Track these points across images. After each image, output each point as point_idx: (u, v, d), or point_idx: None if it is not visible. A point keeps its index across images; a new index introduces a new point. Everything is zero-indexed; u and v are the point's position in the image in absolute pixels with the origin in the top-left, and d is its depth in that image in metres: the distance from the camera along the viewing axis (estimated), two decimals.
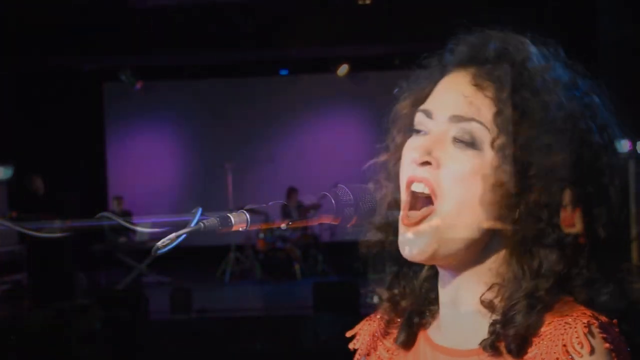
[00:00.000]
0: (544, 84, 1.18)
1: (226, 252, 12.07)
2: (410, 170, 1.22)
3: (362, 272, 1.37)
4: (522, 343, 1.15)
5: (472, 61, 1.23)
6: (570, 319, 1.13)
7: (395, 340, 1.35)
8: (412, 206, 1.21)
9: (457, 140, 1.19)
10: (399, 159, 1.27)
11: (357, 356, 1.42)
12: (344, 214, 1.26)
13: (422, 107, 1.25)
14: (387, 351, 1.37)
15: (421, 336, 1.33)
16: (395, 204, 1.27)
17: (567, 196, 1.18)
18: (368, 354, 1.40)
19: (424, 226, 1.19)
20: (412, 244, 1.20)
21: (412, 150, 1.22)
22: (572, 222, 1.19)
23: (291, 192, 12.01)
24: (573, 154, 1.16)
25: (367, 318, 1.43)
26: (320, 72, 13.58)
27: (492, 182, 1.16)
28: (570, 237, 1.18)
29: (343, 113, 14.06)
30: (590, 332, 1.11)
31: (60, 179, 12.11)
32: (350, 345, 1.43)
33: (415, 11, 10.00)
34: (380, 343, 1.38)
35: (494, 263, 1.21)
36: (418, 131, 1.24)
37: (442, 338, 1.29)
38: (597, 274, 1.20)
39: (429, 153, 1.19)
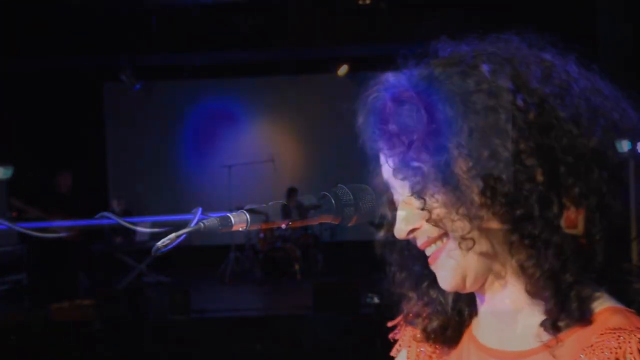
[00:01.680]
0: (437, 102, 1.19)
1: (226, 252, 12.07)
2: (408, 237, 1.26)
3: (363, 272, 1.37)
4: (585, 304, 1.15)
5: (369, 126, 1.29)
6: (624, 333, 1.12)
7: (431, 337, 1.35)
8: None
9: (414, 195, 1.22)
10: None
11: (397, 347, 1.42)
12: (344, 214, 1.26)
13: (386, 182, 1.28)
14: (430, 345, 1.37)
15: (466, 333, 1.33)
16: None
17: (569, 197, 1.18)
18: (409, 346, 1.40)
19: (439, 261, 1.23)
20: (441, 278, 1.25)
21: (396, 231, 1.26)
22: (574, 223, 1.18)
23: (291, 192, 12.02)
24: (543, 144, 1.16)
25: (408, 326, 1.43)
26: (320, 72, 13.58)
27: (461, 199, 1.17)
28: (570, 238, 1.17)
29: (343, 113, 14.05)
30: None
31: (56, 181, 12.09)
32: (391, 336, 1.42)
33: (415, 11, 9.99)
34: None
35: (509, 260, 1.21)
36: (395, 207, 1.28)
37: (486, 337, 1.29)
38: (598, 274, 1.20)
39: (406, 221, 1.23)
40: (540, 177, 1.15)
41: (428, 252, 1.24)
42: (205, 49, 12.01)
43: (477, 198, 1.16)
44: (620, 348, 1.10)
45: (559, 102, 1.19)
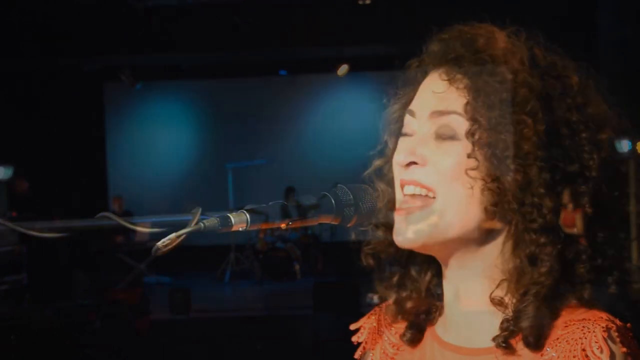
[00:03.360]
0: (507, 66, 1.19)
1: (226, 252, 12.07)
2: (399, 173, 1.24)
3: (363, 272, 1.37)
4: (539, 334, 1.15)
5: (444, 57, 1.25)
6: (588, 323, 1.13)
7: (402, 336, 1.35)
8: (408, 202, 1.23)
9: (438, 135, 1.21)
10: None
11: (360, 350, 1.42)
12: (343, 214, 1.26)
13: (409, 107, 1.27)
14: (393, 346, 1.37)
15: (428, 332, 1.33)
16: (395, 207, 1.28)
17: (566, 195, 1.18)
18: (372, 348, 1.40)
19: (416, 215, 1.20)
20: (404, 231, 1.22)
21: (398, 153, 1.25)
22: (572, 222, 1.19)
23: (289, 191, 12.02)
24: (548, 131, 1.17)
25: (372, 311, 1.43)
26: (320, 72, 13.58)
27: (469, 168, 1.17)
28: (570, 237, 1.18)
29: (343, 113, 14.06)
30: (610, 337, 1.11)
31: (60, 179, 12.12)
32: (354, 339, 1.43)
33: (415, 11, 9.99)
34: (386, 338, 1.38)
35: (499, 259, 1.21)
36: (405, 134, 1.26)
37: (449, 335, 1.29)
38: (597, 274, 1.20)
39: (413, 153, 1.21)
40: (544, 179, 1.16)
41: (408, 193, 1.22)
42: (205, 49, 12.01)
43: (492, 184, 1.16)
44: (586, 338, 1.12)
45: (563, 102, 1.20)
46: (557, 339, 1.15)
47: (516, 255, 1.18)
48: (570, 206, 1.18)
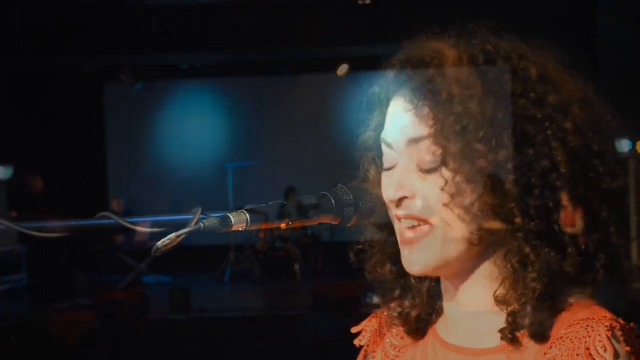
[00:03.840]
0: (460, 83, 1.18)
1: (226, 252, 12.07)
2: (392, 209, 1.24)
3: (363, 272, 1.37)
4: (541, 330, 1.16)
5: (400, 83, 1.24)
6: (592, 322, 1.13)
7: (403, 338, 1.35)
8: (409, 233, 1.23)
9: (420, 169, 1.20)
10: (378, 187, 1.28)
11: (363, 353, 1.42)
12: (343, 214, 1.26)
13: (382, 135, 1.26)
14: (394, 348, 1.37)
15: (429, 332, 1.33)
16: (386, 232, 1.30)
17: (565, 195, 1.18)
18: (374, 351, 1.40)
19: (420, 245, 1.21)
20: (413, 262, 1.22)
21: (387, 189, 1.24)
22: (572, 222, 1.19)
23: (289, 191, 12.01)
24: (517, 137, 1.16)
25: (374, 314, 1.43)
26: (320, 72, 13.58)
27: (459, 194, 1.17)
28: (569, 236, 1.18)
29: (343, 113, 14.06)
30: (614, 336, 1.12)
31: (60, 179, 12.11)
32: (356, 342, 1.43)
33: (415, 11, 9.99)
34: (388, 340, 1.39)
35: (497, 259, 1.21)
36: (387, 169, 1.25)
37: (451, 336, 1.29)
38: (597, 274, 1.20)
39: (402, 187, 1.21)
40: (543, 180, 1.16)
41: (407, 226, 1.22)
42: (205, 49, 12.01)
43: (492, 196, 1.16)
44: (590, 337, 1.12)
45: (525, 99, 1.20)
46: (561, 337, 1.15)
47: (507, 261, 1.18)
48: (569, 205, 1.18)
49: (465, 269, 1.23)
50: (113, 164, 14.71)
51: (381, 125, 1.27)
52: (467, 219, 1.17)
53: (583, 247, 1.19)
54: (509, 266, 1.18)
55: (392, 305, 1.35)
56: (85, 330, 7.89)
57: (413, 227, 1.22)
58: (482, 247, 1.20)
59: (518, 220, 1.15)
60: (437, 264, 1.21)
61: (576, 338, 1.13)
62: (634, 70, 7.90)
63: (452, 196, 1.17)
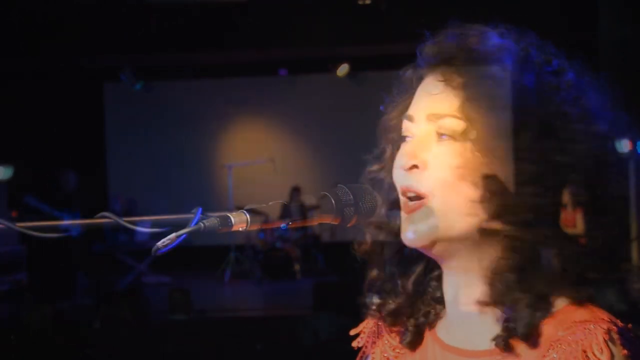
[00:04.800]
0: (501, 64, 1.20)
1: (226, 252, 12.07)
2: (399, 177, 1.25)
3: (364, 272, 1.37)
4: (535, 333, 1.16)
5: (438, 59, 1.25)
6: (590, 325, 1.14)
7: (401, 340, 1.35)
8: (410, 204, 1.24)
9: (439, 134, 1.21)
10: (390, 169, 1.29)
11: (360, 354, 1.42)
12: (343, 214, 1.26)
13: (406, 113, 1.28)
14: (393, 350, 1.37)
15: (428, 335, 1.33)
16: (386, 216, 1.30)
17: (565, 193, 1.18)
18: (373, 352, 1.40)
19: (417, 214, 1.22)
20: (407, 230, 1.23)
21: (400, 157, 1.25)
22: (572, 222, 1.19)
23: (294, 191, 12.02)
24: (544, 127, 1.17)
25: (371, 316, 1.43)
26: (320, 72, 13.58)
27: (473, 170, 1.17)
28: (570, 237, 1.18)
29: (343, 113, 14.07)
30: (611, 339, 1.12)
31: (60, 179, 12.08)
32: (354, 344, 1.43)
33: (415, 11, 9.99)
34: (386, 341, 1.39)
35: (499, 256, 1.21)
36: (405, 138, 1.27)
37: (451, 337, 1.29)
38: (597, 274, 1.20)
39: (415, 156, 1.22)
40: (541, 175, 1.16)
41: (409, 195, 1.23)
42: (205, 48, 12.00)
43: (504, 178, 1.17)
44: (587, 339, 1.12)
45: (557, 96, 1.21)
46: (558, 340, 1.15)
47: (508, 256, 1.18)
48: (569, 205, 1.18)
49: (466, 267, 1.23)
50: (113, 164, 14.71)
51: (408, 106, 1.29)
52: (474, 200, 1.17)
53: (584, 247, 1.19)
54: (509, 262, 1.17)
55: (374, 296, 1.36)
56: (85, 330, 7.89)
57: (412, 199, 1.23)
58: (481, 240, 1.20)
59: (532, 214, 1.16)
60: (432, 237, 1.21)
61: (573, 340, 1.13)
62: (634, 70, 7.90)
63: (465, 171, 1.17)
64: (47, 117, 12.96)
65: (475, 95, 1.18)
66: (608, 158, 1.21)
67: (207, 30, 11.19)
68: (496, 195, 1.16)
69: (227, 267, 12.02)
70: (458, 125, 1.19)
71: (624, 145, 1.26)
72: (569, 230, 1.18)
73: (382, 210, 1.30)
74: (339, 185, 1.28)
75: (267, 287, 11.51)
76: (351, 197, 1.27)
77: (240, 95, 14.33)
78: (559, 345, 1.14)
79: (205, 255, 10.73)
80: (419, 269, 1.33)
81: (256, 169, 13.44)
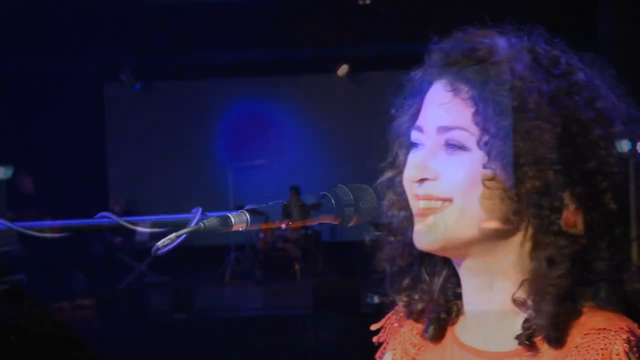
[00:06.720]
0: (511, 73, 1.19)
1: (226, 252, 12.07)
2: (411, 187, 1.26)
3: (363, 272, 1.38)
4: (559, 332, 1.16)
5: (446, 68, 1.25)
6: (609, 333, 1.13)
7: (423, 333, 1.35)
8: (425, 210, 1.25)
9: (449, 144, 1.21)
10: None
11: (382, 350, 1.42)
12: (344, 214, 1.26)
13: (416, 123, 1.28)
14: (414, 346, 1.37)
15: (448, 333, 1.33)
16: (406, 220, 1.30)
17: (567, 196, 1.18)
18: (394, 349, 1.40)
19: (433, 218, 1.22)
20: (423, 235, 1.24)
21: (410, 169, 1.26)
22: (574, 222, 1.18)
23: (293, 190, 12.01)
24: (560, 132, 1.16)
25: (393, 311, 1.43)
26: (320, 72, 13.57)
27: (486, 179, 1.17)
28: (572, 238, 1.18)
29: (343, 113, 14.07)
30: (631, 350, 1.11)
31: (60, 179, 12.10)
32: (375, 339, 1.43)
33: (415, 11, 9.99)
34: (407, 338, 1.38)
35: (517, 260, 1.21)
36: (416, 145, 1.27)
37: (469, 337, 1.29)
38: (597, 273, 1.20)
39: (424, 169, 1.22)
40: (561, 181, 1.16)
41: (422, 205, 1.23)
42: (205, 48, 12.00)
43: (505, 192, 1.17)
44: (607, 349, 1.11)
45: (571, 101, 1.20)
46: (577, 346, 1.14)
47: (534, 258, 1.18)
48: (571, 205, 1.18)
49: (483, 267, 1.23)
50: (113, 164, 14.71)
51: (417, 111, 1.28)
52: (491, 208, 1.17)
53: (598, 248, 1.19)
54: (534, 263, 1.17)
55: (401, 296, 1.35)
56: (85, 330, 7.89)
57: (429, 208, 1.23)
58: (499, 242, 1.20)
59: (553, 218, 1.16)
60: (446, 242, 1.22)
61: (592, 349, 1.12)
62: (634, 70, 7.88)
63: (483, 181, 1.17)
64: (48, 117, 12.95)
65: (484, 106, 1.18)
66: (601, 131, 1.21)
67: (207, 30, 11.19)
68: (515, 203, 1.17)
69: (227, 267, 12.02)
70: (468, 136, 1.19)
71: (624, 145, 1.26)
72: (571, 231, 1.17)
73: (394, 212, 1.31)
74: (339, 185, 1.28)
75: (267, 287, 11.51)
76: (351, 197, 1.27)
77: (240, 95, 14.32)
78: (578, 352, 1.14)
79: (205, 255, 10.73)
80: (444, 269, 1.33)
81: (256, 169, 13.44)
